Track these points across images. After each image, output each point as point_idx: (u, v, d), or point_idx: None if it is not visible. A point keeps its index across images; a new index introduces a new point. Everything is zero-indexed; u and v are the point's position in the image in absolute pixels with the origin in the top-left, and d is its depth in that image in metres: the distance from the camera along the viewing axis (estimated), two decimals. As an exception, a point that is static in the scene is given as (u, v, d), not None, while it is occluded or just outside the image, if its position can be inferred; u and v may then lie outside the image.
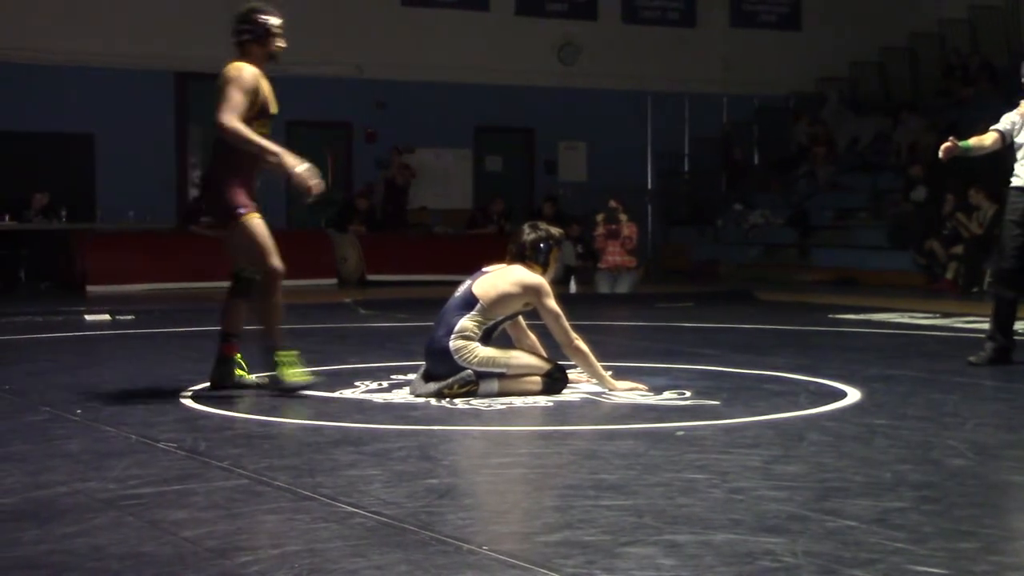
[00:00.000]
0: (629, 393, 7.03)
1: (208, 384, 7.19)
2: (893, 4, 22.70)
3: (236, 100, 6.70)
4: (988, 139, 8.35)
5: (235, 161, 6.90)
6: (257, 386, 7.11)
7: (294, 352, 7.02)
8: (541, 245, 7.25)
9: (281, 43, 7.08)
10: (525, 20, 21.22)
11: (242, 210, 6.89)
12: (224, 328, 7.16)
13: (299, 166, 6.83)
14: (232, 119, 6.69)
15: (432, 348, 7.03)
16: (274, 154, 6.81)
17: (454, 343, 6.94)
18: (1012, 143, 8.33)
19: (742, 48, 22.54)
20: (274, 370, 6.98)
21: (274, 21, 7.04)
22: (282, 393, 6.94)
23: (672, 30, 22.29)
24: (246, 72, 6.83)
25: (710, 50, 22.50)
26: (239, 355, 7.11)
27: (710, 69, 22.42)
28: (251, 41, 6.99)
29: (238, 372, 7.12)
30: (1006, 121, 8.35)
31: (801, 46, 22.90)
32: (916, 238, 16.92)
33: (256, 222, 6.95)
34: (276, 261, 6.95)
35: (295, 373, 6.97)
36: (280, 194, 19.73)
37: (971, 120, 18.73)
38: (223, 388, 7.09)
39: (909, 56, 22.41)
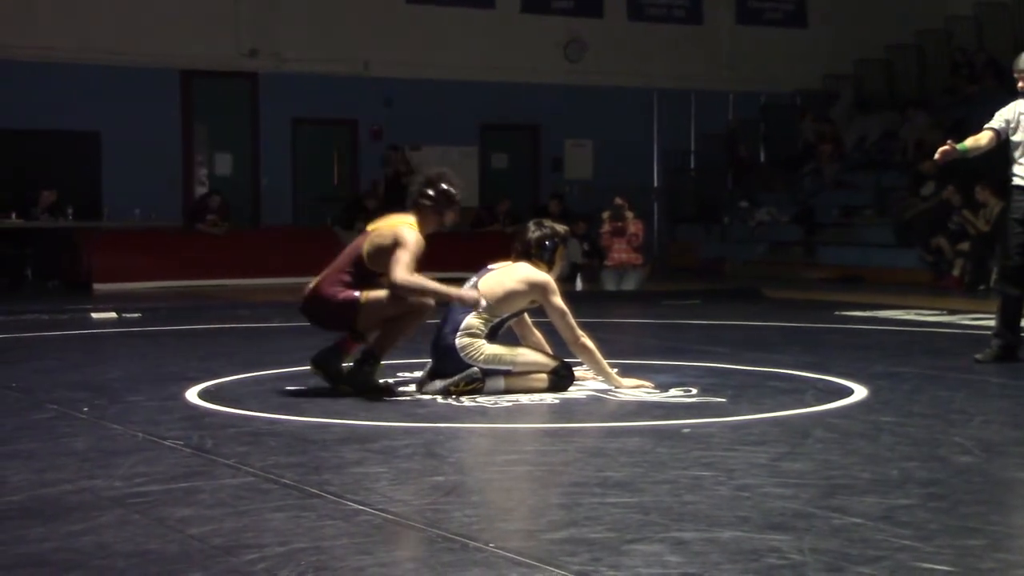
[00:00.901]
0: (635, 391, 7.03)
1: (310, 365, 7.12)
2: (899, 1, 22.67)
3: (408, 261, 6.88)
4: (984, 138, 8.34)
5: (364, 277, 7.04)
6: (342, 389, 7.06)
7: (382, 365, 7.06)
8: (547, 243, 7.25)
9: (456, 216, 7.28)
10: (531, 17, 21.21)
11: (352, 297, 6.98)
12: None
13: (465, 292, 6.99)
14: (408, 275, 6.85)
15: (438, 345, 7.03)
16: (447, 295, 6.97)
17: (460, 340, 6.94)
18: (1009, 141, 8.32)
19: (748, 46, 22.52)
20: (361, 369, 6.95)
21: (457, 195, 7.20)
22: (352, 390, 6.93)
23: (678, 27, 22.27)
24: (417, 240, 6.97)
25: (716, 47, 22.48)
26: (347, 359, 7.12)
27: (716, 66, 22.40)
28: (430, 207, 7.11)
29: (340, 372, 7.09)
30: (999, 119, 8.34)
31: (807, 44, 22.87)
32: (924, 235, 16.88)
33: (375, 293, 6.99)
34: (428, 302, 6.98)
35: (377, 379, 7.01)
36: (285, 192, 19.77)
37: (978, 117, 18.52)
38: (322, 370, 7.05)
39: (915, 53, 22.38)
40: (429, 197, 7.12)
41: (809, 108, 22.64)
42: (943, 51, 22.01)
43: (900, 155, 20.06)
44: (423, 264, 6.95)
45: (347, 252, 7.16)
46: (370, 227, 7.16)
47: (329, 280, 7.09)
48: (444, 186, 7.14)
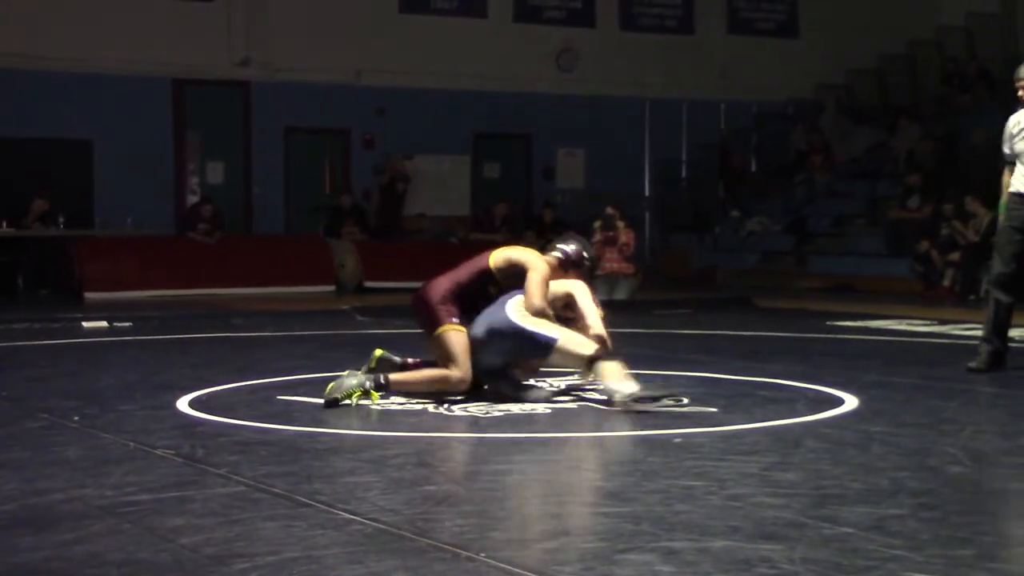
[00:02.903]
0: (620, 384, 6.73)
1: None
2: (890, 12, 22.72)
3: (545, 291, 7.09)
4: (1006, 177, 8.44)
5: (473, 294, 7.18)
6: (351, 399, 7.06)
7: (379, 395, 7.03)
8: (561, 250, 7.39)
9: (577, 276, 7.41)
10: (523, 27, 21.21)
11: (446, 322, 7.08)
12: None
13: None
14: (543, 306, 7.04)
15: (493, 329, 6.99)
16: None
17: (512, 310, 6.98)
18: (1012, 148, 8.34)
19: (740, 55, 22.55)
20: (359, 380, 6.99)
21: (578, 256, 7.43)
22: (339, 399, 6.92)
23: (670, 37, 22.29)
24: (546, 270, 7.18)
25: (708, 57, 22.50)
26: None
27: (708, 76, 22.42)
28: (560, 263, 7.33)
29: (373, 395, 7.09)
30: (1004, 145, 8.43)
31: (798, 53, 22.90)
32: (913, 244, 16.90)
33: (455, 336, 7.05)
34: (459, 373, 7.01)
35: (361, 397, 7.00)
36: (277, 201, 19.76)
37: (968, 127, 18.74)
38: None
39: (907, 63, 22.43)
40: (563, 254, 7.37)
41: (801, 118, 22.67)
42: (934, 61, 22.05)
43: (892, 165, 20.09)
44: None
45: (472, 262, 7.31)
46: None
47: (442, 287, 7.20)
48: (575, 247, 7.39)
